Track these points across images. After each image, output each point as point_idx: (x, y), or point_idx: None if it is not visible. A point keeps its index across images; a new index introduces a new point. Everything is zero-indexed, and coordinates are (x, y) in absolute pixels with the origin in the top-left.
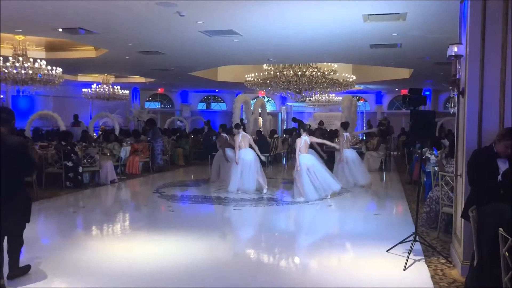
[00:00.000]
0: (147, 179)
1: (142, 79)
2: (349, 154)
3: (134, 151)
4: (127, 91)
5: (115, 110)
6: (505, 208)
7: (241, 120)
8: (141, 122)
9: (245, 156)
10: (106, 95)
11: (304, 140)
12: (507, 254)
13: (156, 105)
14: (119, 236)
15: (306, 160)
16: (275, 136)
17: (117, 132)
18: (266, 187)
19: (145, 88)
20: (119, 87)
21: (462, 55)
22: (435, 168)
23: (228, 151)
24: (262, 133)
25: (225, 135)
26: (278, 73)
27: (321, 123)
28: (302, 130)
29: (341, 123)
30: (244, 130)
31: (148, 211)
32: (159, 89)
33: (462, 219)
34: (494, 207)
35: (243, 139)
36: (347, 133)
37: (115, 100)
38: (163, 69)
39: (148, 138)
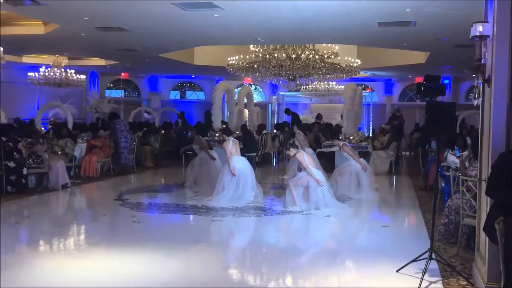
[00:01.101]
0: (107, 183)
1: (101, 62)
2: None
3: (91, 149)
4: (83, 76)
5: (68, 99)
6: None
7: (225, 123)
8: (100, 114)
9: (240, 165)
10: (57, 80)
11: (305, 155)
12: None
13: (119, 94)
14: (72, 252)
15: (318, 177)
16: (264, 132)
17: (70, 126)
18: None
19: (106, 72)
20: (73, 71)
21: (488, 36)
22: (455, 171)
23: (212, 153)
24: (248, 128)
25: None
26: (267, 56)
27: (319, 116)
28: (295, 127)
29: (332, 132)
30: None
31: (108, 222)
32: (123, 74)
33: None
34: None
35: (234, 145)
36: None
37: (68, 87)
38: (127, 50)
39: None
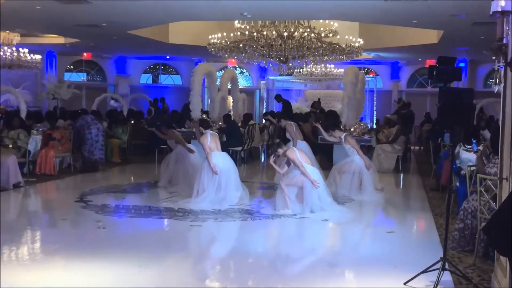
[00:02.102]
0: (66, 182)
1: (60, 40)
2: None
3: (48, 142)
4: (38, 57)
5: (20, 84)
6: None
7: (206, 113)
8: (59, 101)
9: (221, 161)
10: (7, 61)
11: (296, 151)
12: None
13: (81, 77)
14: (26, 263)
15: (312, 175)
16: (251, 122)
17: (23, 115)
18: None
19: (65, 52)
20: (26, 51)
21: (511, 12)
22: (472, 168)
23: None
24: (232, 118)
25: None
26: (255, 34)
27: (314, 105)
28: (283, 120)
29: (330, 125)
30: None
31: (68, 227)
32: (85, 54)
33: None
34: None
35: (213, 139)
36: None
37: (21, 69)
38: (90, 25)
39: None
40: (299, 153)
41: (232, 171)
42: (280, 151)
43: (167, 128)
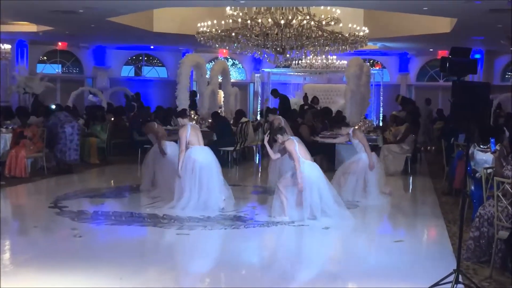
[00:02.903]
0: (39, 185)
1: (32, 27)
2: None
3: (19, 140)
4: (8, 46)
5: None
6: None
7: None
8: (30, 95)
9: (202, 157)
10: None
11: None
12: None
13: (55, 69)
14: None
15: (311, 171)
16: (244, 120)
17: None
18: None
19: (38, 41)
20: None
21: None
22: (489, 171)
23: (169, 146)
24: (222, 114)
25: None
26: (249, 22)
27: (314, 100)
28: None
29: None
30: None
31: (41, 236)
32: (60, 44)
33: None
34: None
35: (193, 132)
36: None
37: None
38: (66, 12)
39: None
40: (299, 146)
41: (214, 167)
42: (280, 138)
43: (145, 122)
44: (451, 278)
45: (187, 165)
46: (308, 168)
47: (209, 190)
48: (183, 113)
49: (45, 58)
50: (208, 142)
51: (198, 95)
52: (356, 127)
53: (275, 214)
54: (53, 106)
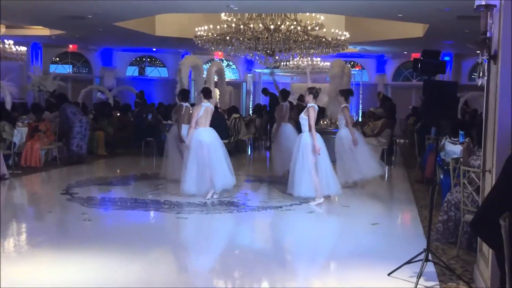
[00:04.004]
0: (52, 174)
1: (45, 31)
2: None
3: (33, 133)
4: (23, 48)
5: (6, 76)
6: None
7: (193, 105)
8: (44, 93)
9: (208, 137)
10: None
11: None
12: None
13: (66, 69)
14: (12, 256)
15: (322, 144)
16: (235, 115)
17: (8, 107)
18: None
19: (51, 44)
20: (11, 42)
21: (495, 6)
22: (456, 161)
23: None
24: (219, 109)
25: (186, 104)
26: (241, 27)
27: (301, 98)
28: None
29: (341, 91)
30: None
31: (54, 220)
32: (71, 46)
33: None
34: None
35: (205, 114)
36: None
37: (6, 61)
38: (76, 17)
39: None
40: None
41: (219, 147)
42: (311, 97)
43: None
44: (422, 256)
45: (193, 146)
46: (320, 140)
47: (217, 168)
48: (207, 92)
49: (57, 59)
50: None
51: (195, 92)
52: (346, 106)
53: (314, 198)
54: None
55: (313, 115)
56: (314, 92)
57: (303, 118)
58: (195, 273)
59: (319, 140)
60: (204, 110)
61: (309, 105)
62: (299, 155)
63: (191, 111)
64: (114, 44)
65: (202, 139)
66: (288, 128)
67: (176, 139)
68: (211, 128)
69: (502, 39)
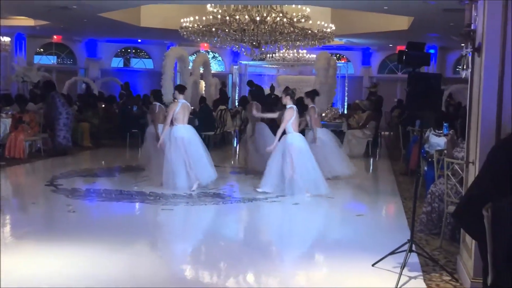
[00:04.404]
0: (36, 166)
1: (30, 22)
2: (322, 134)
3: (17, 125)
4: (7, 39)
5: None
6: None
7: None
8: (28, 84)
9: (187, 134)
10: None
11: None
12: None
13: (51, 60)
14: None
15: (300, 143)
16: (222, 107)
17: None
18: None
19: (35, 35)
20: None
21: None
22: (439, 153)
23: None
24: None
25: (159, 104)
26: (227, 18)
27: (287, 90)
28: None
29: (307, 93)
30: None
31: (38, 211)
32: (55, 37)
33: None
34: None
35: (182, 110)
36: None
37: None
38: (61, 7)
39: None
40: (295, 118)
41: (198, 142)
42: (288, 99)
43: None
44: (406, 247)
45: (174, 143)
46: (298, 139)
47: (197, 163)
48: (181, 88)
49: (41, 50)
50: None
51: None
52: (311, 106)
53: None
54: None
55: (288, 117)
56: (290, 93)
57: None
58: (180, 265)
59: (303, 140)
60: (181, 106)
61: (288, 106)
62: (280, 155)
63: (166, 110)
64: (99, 35)
65: (182, 136)
66: (262, 126)
67: (153, 139)
68: (189, 126)
69: (486, 32)
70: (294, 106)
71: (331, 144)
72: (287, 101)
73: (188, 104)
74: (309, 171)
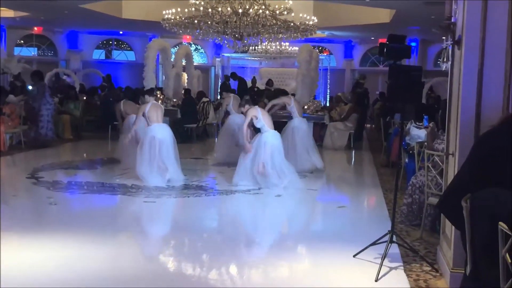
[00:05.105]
0: (17, 158)
1: (9, 13)
2: (297, 123)
3: None
4: None
5: None
6: (507, 195)
7: (160, 89)
8: (8, 76)
9: (160, 133)
10: None
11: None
12: (508, 256)
13: (31, 52)
14: None
15: (274, 140)
16: (205, 100)
17: None
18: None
19: (15, 26)
20: None
21: None
22: (420, 145)
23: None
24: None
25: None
26: (210, 10)
27: (269, 82)
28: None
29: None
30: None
31: (19, 204)
32: (36, 29)
33: None
34: (494, 195)
35: (153, 109)
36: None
37: None
38: None
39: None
40: (262, 114)
41: (170, 143)
42: (247, 107)
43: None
44: (386, 238)
45: (146, 141)
46: (271, 136)
47: (167, 163)
48: (150, 92)
49: (22, 41)
50: (173, 119)
51: (163, 76)
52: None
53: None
54: (30, 87)
55: (249, 118)
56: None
57: (260, 121)
58: (162, 257)
59: (278, 137)
60: (152, 105)
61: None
62: (254, 153)
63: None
64: (80, 27)
65: (155, 135)
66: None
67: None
68: (165, 124)
69: (466, 25)
70: (255, 106)
71: (304, 137)
72: (244, 110)
73: (159, 104)
74: (282, 169)
